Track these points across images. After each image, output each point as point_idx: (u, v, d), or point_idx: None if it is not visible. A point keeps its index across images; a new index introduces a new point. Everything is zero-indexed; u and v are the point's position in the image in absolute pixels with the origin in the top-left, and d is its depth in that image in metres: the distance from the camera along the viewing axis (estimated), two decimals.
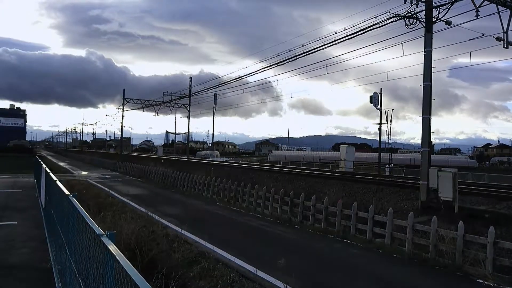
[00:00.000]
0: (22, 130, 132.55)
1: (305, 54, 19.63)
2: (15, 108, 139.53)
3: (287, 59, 21.46)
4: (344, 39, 16.64)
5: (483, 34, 13.73)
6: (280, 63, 22.71)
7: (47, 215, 9.86)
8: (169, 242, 9.55)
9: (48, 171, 10.56)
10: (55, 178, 8.11)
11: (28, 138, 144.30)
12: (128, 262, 2.27)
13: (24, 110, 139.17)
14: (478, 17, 13.11)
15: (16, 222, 11.73)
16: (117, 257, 2.37)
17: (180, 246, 9.25)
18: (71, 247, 4.58)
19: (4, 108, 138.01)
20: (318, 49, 18.59)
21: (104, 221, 10.09)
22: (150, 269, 7.08)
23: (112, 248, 2.54)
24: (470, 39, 13.85)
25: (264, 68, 25.92)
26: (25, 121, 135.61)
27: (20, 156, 63.36)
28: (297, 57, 20.49)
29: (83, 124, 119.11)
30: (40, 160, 19.26)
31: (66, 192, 5.58)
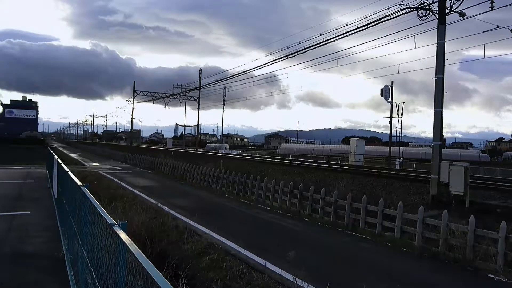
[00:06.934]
0: (34, 121, 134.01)
1: (316, 46, 19.51)
2: (27, 100, 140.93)
3: (297, 52, 21.37)
4: (355, 31, 16.50)
5: (497, 26, 13.47)
6: (290, 56, 22.63)
7: (59, 205, 10.01)
8: (179, 234, 9.63)
9: (60, 162, 10.70)
10: (67, 169, 8.22)
11: (39, 129, 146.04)
12: (140, 251, 2.29)
13: (36, 102, 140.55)
14: (493, 8, 12.86)
15: (30, 212, 11.92)
16: (129, 247, 2.39)
17: (190, 237, 9.32)
18: (83, 237, 4.64)
19: (17, 100, 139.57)
20: (328, 41, 18.47)
21: (115, 212, 10.19)
22: (160, 260, 7.14)
23: (124, 237, 2.57)
24: (484, 31, 13.61)
25: (274, 60, 25.91)
26: (37, 113, 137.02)
27: (32, 147, 64.17)
28: (308, 49, 20.39)
29: (93, 116, 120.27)
30: (52, 152, 19.51)
31: (78, 183, 5.65)
